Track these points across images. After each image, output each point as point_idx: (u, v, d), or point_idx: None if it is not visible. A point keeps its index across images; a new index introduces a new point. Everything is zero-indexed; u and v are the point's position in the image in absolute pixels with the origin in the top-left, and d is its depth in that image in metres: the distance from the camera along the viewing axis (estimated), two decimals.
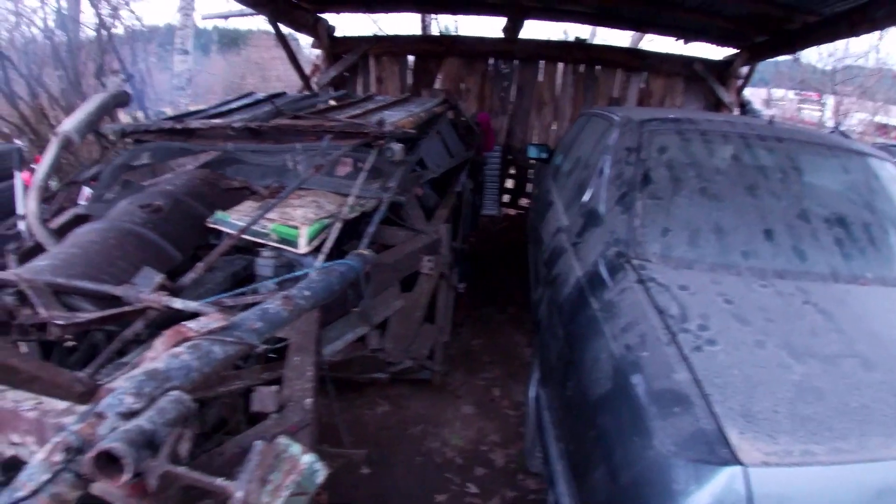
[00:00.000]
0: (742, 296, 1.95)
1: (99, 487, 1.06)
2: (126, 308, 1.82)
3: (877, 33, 5.93)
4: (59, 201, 2.83)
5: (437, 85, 8.00)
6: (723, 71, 8.03)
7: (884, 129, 19.05)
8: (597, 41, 9.81)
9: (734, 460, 1.27)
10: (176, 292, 1.96)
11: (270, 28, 7.54)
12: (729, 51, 8.15)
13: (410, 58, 8.30)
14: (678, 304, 1.85)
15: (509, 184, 8.71)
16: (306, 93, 6.00)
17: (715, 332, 1.70)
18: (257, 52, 20.38)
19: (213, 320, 1.41)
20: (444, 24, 11.57)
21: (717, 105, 8.02)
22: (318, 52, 8.35)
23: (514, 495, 2.84)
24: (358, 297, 2.45)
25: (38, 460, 0.98)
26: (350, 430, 2.88)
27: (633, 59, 8.15)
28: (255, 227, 2.40)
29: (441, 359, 3.55)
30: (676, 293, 1.92)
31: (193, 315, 1.55)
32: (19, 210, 2.90)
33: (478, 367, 4.02)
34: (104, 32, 9.21)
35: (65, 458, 0.98)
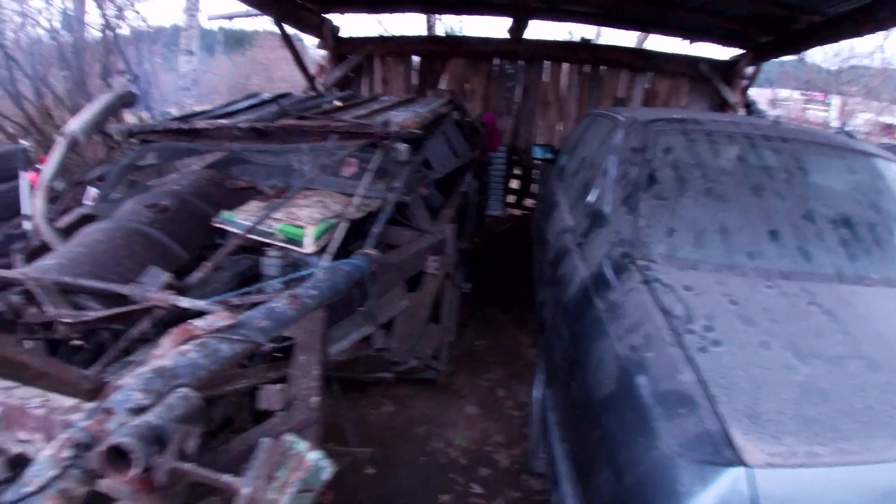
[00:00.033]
0: (747, 297, 1.95)
1: (106, 484, 1.07)
2: (133, 307, 1.83)
3: (882, 33, 5.91)
4: (65, 201, 2.85)
5: (442, 85, 8.01)
6: (728, 71, 8.02)
7: (889, 129, 18.95)
8: (601, 41, 9.78)
9: (739, 461, 1.26)
10: (182, 291, 1.97)
11: (276, 29, 7.55)
12: (734, 51, 8.13)
13: (415, 58, 8.31)
14: (683, 304, 1.84)
15: (514, 184, 8.70)
16: (312, 93, 6.01)
17: (720, 333, 1.70)
18: (262, 53, 20.41)
19: (220, 319, 1.42)
20: (449, 24, 11.56)
21: (723, 105, 8.00)
22: (323, 52, 8.37)
23: (518, 496, 2.84)
24: (363, 297, 2.45)
25: (46, 456, 0.99)
26: (355, 430, 2.88)
27: (638, 60, 8.14)
28: (261, 227, 2.41)
29: (446, 359, 3.55)
30: (681, 294, 1.92)
31: (200, 314, 1.56)
32: (25, 210, 2.91)
33: (482, 367, 4.03)
34: (109, 33, 9.23)
35: (73, 454, 0.99)
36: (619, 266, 2.18)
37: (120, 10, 9.71)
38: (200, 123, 3.19)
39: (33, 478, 0.96)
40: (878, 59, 17.83)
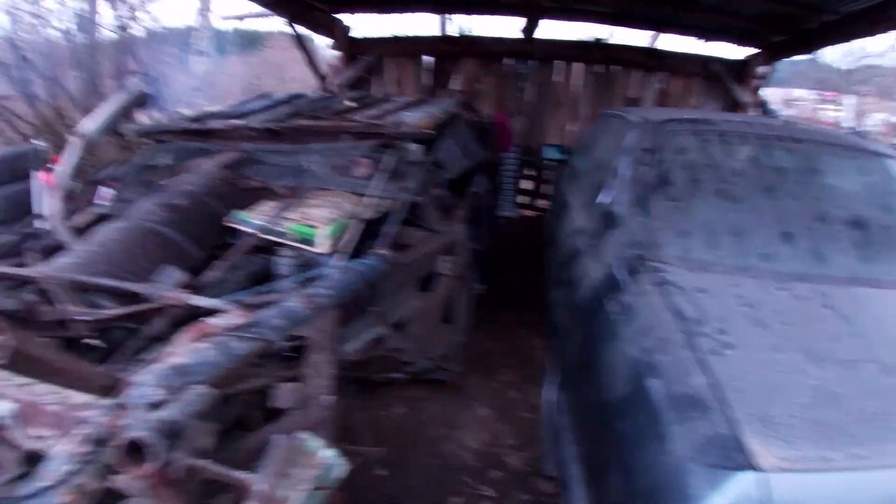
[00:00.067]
0: (760, 299, 1.94)
1: (120, 479, 1.08)
2: (148, 305, 1.85)
3: (895, 32, 5.86)
4: (78, 201, 2.87)
5: (454, 85, 8.01)
6: (740, 71, 7.96)
7: None
8: (614, 41, 9.74)
9: (751, 465, 1.26)
10: (197, 290, 1.99)
11: (288, 29, 7.58)
12: (747, 51, 8.08)
13: (427, 58, 8.31)
14: (696, 307, 1.84)
15: (527, 185, 8.68)
16: (324, 94, 6.03)
17: (733, 336, 1.69)
18: (275, 54, 20.46)
19: (234, 317, 1.43)
20: (460, 24, 11.54)
21: (735, 105, 7.94)
22: (335, 53, 8.38)
23: (528, 498, 2.83)
24: (376, 297, 2.46)
25: (63, 451, 1.00)
26: (367, 431, 2.89)
27: (650, 59, 8.09)
28: (274, 227, 2.42)
29: (458, 359, 3.55)
30: (694, 296, 1.91)
31: (214, 312, 1.57)
32: (37, 209, 2.94)
33: (494, 369, 4.02)
34: (122, 34, 9.29)
35: (90, 450, 1.00)
36: (632, 268, 2.17)
37: (132, 10, 9.77)
38: (214, 123, 3.21)
39: (50, 473, 0.97)
40: (891, 58, 17.69)
